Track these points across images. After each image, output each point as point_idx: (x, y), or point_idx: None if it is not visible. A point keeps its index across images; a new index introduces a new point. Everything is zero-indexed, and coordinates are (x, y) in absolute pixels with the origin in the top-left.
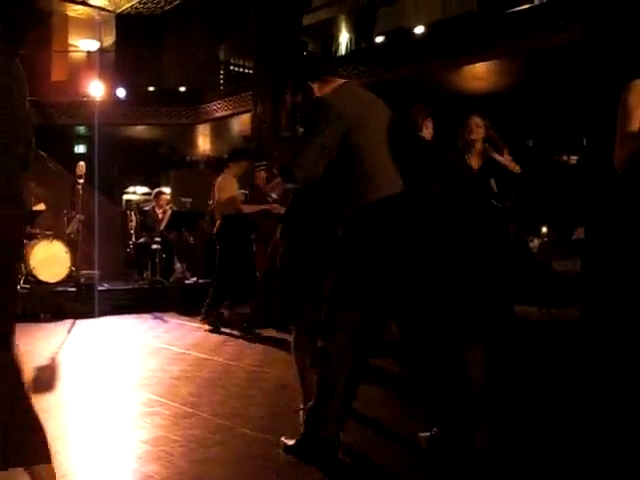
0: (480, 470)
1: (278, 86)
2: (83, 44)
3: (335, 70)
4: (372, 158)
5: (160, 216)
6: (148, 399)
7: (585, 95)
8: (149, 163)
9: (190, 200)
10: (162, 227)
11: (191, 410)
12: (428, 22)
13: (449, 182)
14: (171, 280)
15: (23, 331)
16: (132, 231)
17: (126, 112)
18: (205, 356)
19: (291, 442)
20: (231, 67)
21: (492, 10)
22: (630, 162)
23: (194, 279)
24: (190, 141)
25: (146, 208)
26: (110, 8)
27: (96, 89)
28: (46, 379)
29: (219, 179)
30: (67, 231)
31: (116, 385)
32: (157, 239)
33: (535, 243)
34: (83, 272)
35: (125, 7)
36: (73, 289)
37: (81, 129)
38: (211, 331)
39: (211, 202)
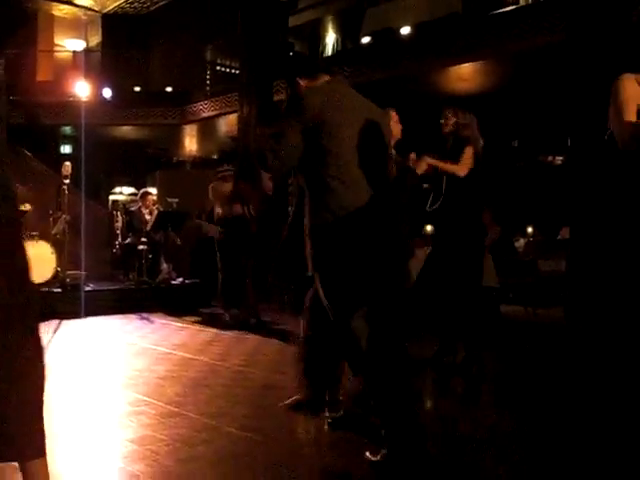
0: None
1: (264, 87)
2: (69, 44)
3: (327, 68)
4: (342, 165)
5: (146, 217)
6: (134, 399)
7: (570, 96)
8: (135, 163)
9: (176, 200)
10: (149, 227)
11: (177, 409)
12: (414, 23)
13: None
14: (157, 280)
15: None
16: (118, 231)
17: (112, 112)
18: (191, 356)
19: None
20: (217, 67)
21: (477, 11)
22: (630, 141)
23: (180, 279)
24: (177, 141)
25: (132, 208)
26: (96, 8)
27: (82, 89)
28: None
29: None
30: (53, 232)
31: (102, 385)
32: (143, 239)
33: (521, 243)
34: (69, 272)
35: (111, 7)
36: (59, 290)
37: (67, 129)
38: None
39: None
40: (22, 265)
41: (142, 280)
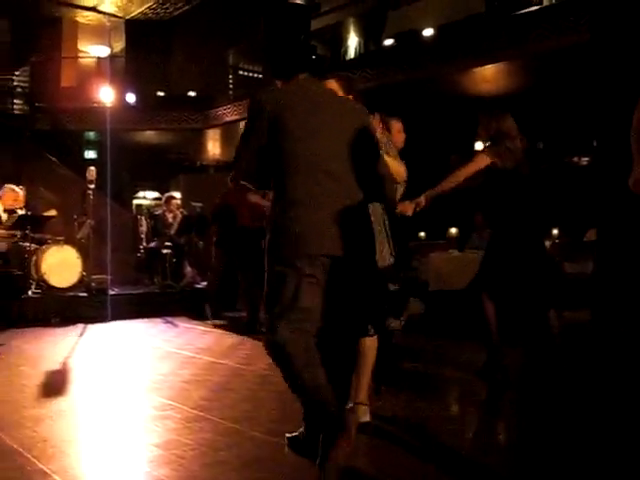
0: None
1: None
2: (93, 50)
3: (308, 67)
4: (296, 165)
5: (170, 220)
6: (159, 403)
7: (595, 96)
8: (159, 168)
9: (200, 205)
10: (173, 232)
11: (202, 414)
12: (437, 25)
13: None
14: (182, 284)
15: (34, 336)
16: (143, 236)
17: (136, 117)
18: (216, 360)
19: None
20: (240, 71)
21: (500, 12)
22: None
23: (204, 283)
24: (200, 146)
25: (157, 213)
26: (120, 14)
27: (106, 95)
28: (57, 383)
29: None
30: (78, 236)
31: (127, 389)
32: (168, 243)
33: (546, 245)
34: (94, 277)
35: (135, 13)
36: (84, 294)
37: (91, 135)
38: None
39: None
40: None
41: (166, 284)
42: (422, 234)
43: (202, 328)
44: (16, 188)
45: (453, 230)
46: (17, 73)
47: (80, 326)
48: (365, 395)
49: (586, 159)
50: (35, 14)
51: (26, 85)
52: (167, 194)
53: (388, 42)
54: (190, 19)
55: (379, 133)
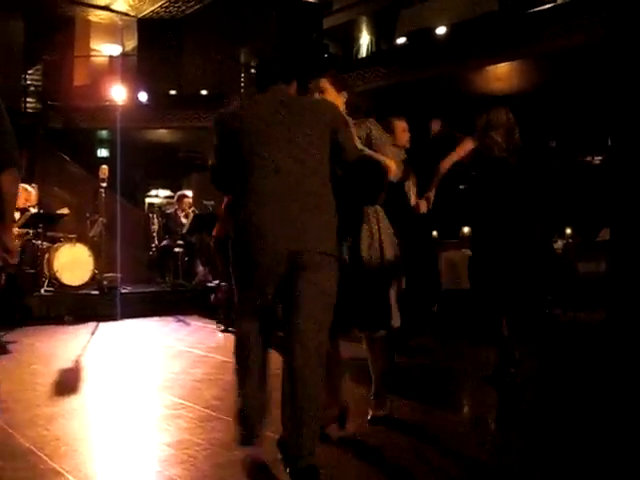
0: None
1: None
2: (105, 49)
3: (284, 77)
4: (252, 175)
5: (182, 219)
6: (171, 402)
7: (609, 94)
8: (171, 166)
9: (212, 203)
10: (185, 230)
11: (214, 413)
12: (450, 23)
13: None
14: (193, 283)
15: (46, 334)
16: (154, 234)
17: (148, 116)
18: (228, 359)
19: None
20: (252, 70)
21: (514, 10)
22: None
23: (216, 282)
24: (212, 144)
25: (168, 211)
26: (132, 13)
27: (118, 93)
28: (69, 381)
29: None
30: (90, 234)
31: (139, 388)
32: (179, 242)
33: (559, 245)
34: (106, 275)
35: (147, 12)
36: (96, 292)
37: (103, 133)
38: None
39: None
40: None
41: (178, 282)
42: (434, 233)
43: (213, 327)
44: (28, 187)
45: (466, 229)
46: (30, 72)
47: (92, 324)
48: (379, 390)
49: (599, 158)
50: (48, 13)
51: (39, 84)
52: (179, 192)
53: (400, 40)
54: (202, 17)
55: (376, 131)
